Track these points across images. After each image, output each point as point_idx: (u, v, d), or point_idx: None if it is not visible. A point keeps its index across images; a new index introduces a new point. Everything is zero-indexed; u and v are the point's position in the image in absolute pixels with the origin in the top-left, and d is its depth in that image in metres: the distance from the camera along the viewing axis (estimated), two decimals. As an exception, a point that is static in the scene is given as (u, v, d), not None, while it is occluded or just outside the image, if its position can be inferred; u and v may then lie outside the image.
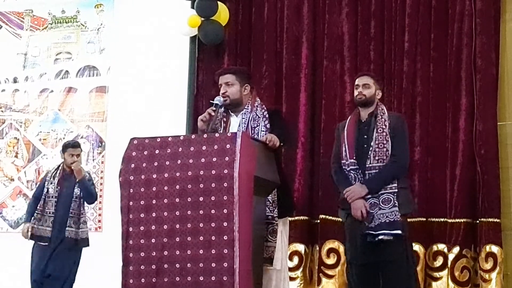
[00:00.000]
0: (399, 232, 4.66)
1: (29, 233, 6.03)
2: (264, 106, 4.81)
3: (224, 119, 4.74)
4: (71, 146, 6.12)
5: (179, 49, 6.82)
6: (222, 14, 6.65)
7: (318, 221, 6.20)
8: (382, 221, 4.66)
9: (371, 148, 4.78)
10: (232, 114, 4.82)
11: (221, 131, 4.62)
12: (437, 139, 6.04)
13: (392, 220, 4.66)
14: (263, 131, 4.61)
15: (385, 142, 4.80)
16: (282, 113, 5.47)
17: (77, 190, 6.09)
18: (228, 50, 6.78)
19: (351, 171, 4.84)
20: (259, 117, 4.70)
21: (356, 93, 4.97)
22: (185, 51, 6.81)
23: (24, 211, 7.14)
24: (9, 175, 7.31)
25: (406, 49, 6.15)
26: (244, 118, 4.73)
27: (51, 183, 6.09)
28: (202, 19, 6.61)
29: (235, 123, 4.75)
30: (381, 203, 4.70)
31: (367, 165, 4.78)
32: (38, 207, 6.06)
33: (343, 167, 4.89)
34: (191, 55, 6.81)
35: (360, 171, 4.82)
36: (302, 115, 6.41)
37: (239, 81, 4.81)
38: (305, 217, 6.25)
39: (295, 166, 6.37)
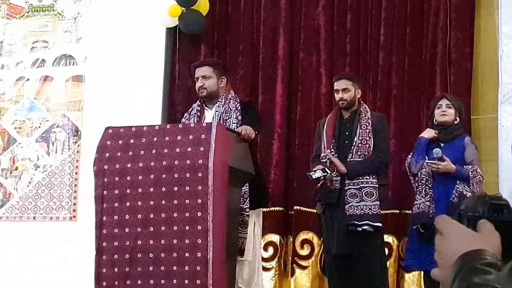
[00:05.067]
0: (380, 225, 4.89)
1: None
2: (237, 98, 4.86)
3: (198, 113, 4.79)
4: None
5: (156, 39, 6.80)
6: (203, 4, 6.62)
7: (293, 212, 6.22)
8: (366, 212, 4.85)
9: (354, 143, 4.97)
10: (207, 108, 4.85)
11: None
12: (411, 132, 6.08)
13: (375, 213, 4.87)
14: (234, 123, 4.64)
15: (368, 139, 4.98)
16: (254, 104, 5.50)
17: None
18: (206, 40, 6.77)
19: (328, 161, 4.95)
20: (231, 109, 4.74)
21: (337, 97, 5.17)
22: (162, 41, 6.80)
23: (-1, 199, 7.11)
24: (-17, 164, 7.25)
25: (382, 42, 6.19)
26: (217, 111, 4.76)
27: None
28: (183, 8, 6.59)
29: (209, 116, 4.78)
30: (364, 195, 4.86)
31: (348, 160, 4.92)
32: None
33: (321, 160, 5.01)
34: (167, 46, 6.79)
35: None
36: (278, 106, 6.41)
37: (216, 73, 4.84)
38: (281, 208, 6.27)
39: (271, 157, 6.38)
